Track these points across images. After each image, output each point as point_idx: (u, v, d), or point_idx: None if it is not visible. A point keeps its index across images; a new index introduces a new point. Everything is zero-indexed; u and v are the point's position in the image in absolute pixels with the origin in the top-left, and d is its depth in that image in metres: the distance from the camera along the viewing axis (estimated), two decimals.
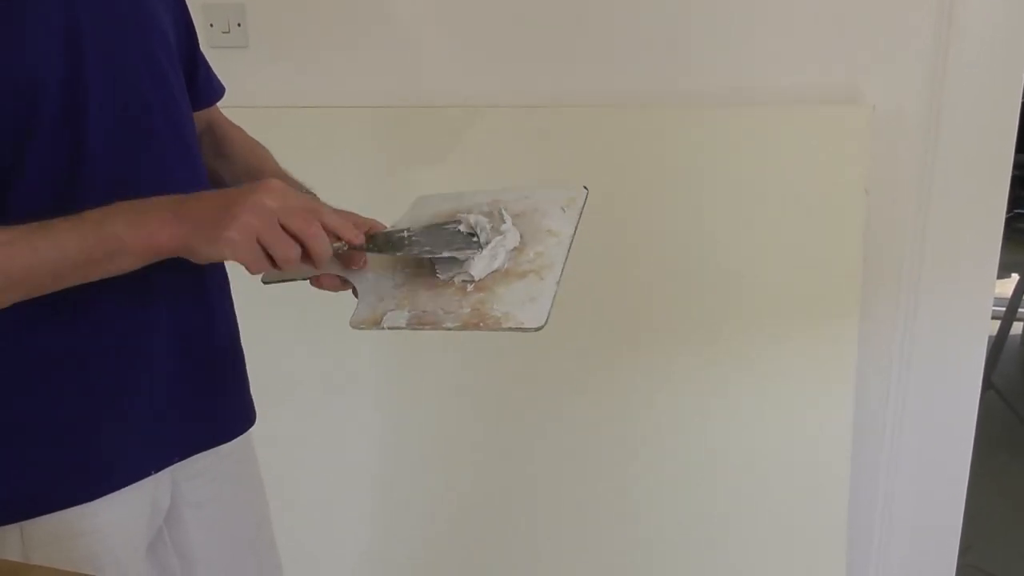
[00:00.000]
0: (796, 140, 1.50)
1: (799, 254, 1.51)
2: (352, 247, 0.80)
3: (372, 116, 1.64)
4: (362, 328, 0.81)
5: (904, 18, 1.46)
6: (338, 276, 0.86)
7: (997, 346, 2.86)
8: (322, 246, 0.76)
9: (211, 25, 1.64)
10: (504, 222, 0.83)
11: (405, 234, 0.83)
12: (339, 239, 0.79)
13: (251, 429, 1.03)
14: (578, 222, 0.85)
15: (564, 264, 0.80)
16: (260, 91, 1.66)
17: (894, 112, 1.49)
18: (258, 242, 0.73)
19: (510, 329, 0.76)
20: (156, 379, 0.87)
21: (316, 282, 0.87)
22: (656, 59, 1.56)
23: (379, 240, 0.82)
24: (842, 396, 1.52)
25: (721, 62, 1.53)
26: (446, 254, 0.80)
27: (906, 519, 1.65)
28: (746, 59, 1.53)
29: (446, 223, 0.84)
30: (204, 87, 1.03)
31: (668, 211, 1.55)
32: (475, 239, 0.81)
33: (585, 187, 0.88)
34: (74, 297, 0.76)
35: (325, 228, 0.76)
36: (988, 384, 2.52)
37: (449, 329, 0.78)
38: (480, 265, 0.80)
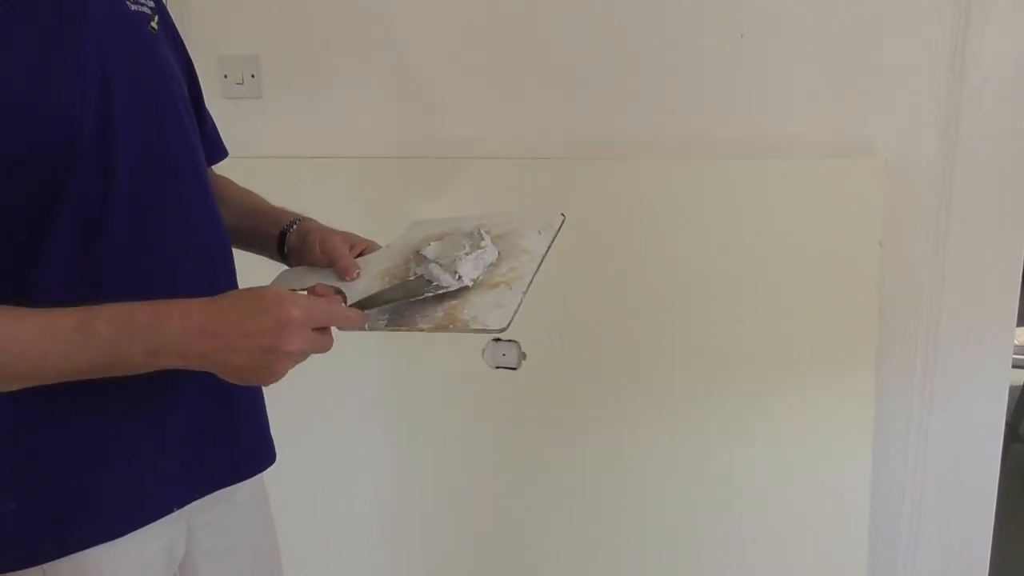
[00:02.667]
0: (810, 193, 1.50)
1: (814, 308, 1.50)
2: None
3: (385, 166, 1.66)
4: (344, 329, 0.88)
5: (916, 71, 1.46)
6: (332, 287, 0.92)
7: (1023, 397, 2.80)
8: (350, 321, 0.85)
9: (225, 76, 1.67)
10: (483, 240, 0.92)
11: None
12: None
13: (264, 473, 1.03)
14: (551, 243, 0.92)
15: (532, 277, 0.88)
16: (273, 141, 1.69)
17: (907, 164, 1.48)
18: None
19: (475, 331, 0.84)
20: (177, 407, 0.87)
21: (311, 291, 0.92)
22: (669, 111, 1.57)
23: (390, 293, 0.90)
24: (860, 451, 1.49)
25: (733, 116, 1.54)
26: (428, 293, 0.89)
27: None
28: (759, 112, 1.53)
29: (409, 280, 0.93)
30: (211, 145, 1.06)
31: (683, 262, 1.54)
32: (434, 284, 0.89)
33: (563, 214, 0.95)
34: None
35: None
36: (1015, 436, 2.47)
37: (423, 330, 0.85)
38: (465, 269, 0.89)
